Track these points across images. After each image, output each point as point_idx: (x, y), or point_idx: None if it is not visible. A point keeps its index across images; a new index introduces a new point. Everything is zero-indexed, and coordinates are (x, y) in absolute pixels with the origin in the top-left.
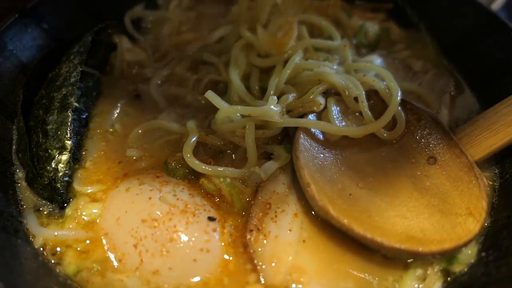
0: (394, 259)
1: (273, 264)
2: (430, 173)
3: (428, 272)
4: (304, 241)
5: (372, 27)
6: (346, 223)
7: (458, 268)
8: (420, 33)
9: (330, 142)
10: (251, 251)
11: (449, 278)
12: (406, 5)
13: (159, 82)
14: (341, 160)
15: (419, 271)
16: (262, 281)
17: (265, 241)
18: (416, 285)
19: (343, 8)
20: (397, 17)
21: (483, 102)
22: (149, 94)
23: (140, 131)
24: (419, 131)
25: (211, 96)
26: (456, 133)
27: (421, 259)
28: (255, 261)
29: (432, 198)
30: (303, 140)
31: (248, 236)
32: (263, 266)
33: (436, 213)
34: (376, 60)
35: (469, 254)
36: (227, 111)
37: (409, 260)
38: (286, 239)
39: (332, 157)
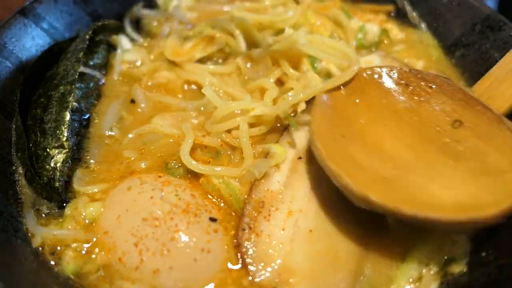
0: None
1: (263, 264)
2: (459, 137)
3: (424, 272)
4: (297, 241)
5: (372, 29)
6: (392, 206)
7: (458, 268)
8: (421, 34)
9: (349, 128)
10: (243, 250)
11: (448, 279)
12: (406, 6)
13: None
14: (365, 145)
15: (413, 273)
16: (252, 280)
17: (256, 240)
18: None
19: (343, 9)
20: (397, 18)
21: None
22: (141, 98)
23: (132, 136)
24: (434, 98)
25: (208, 92)
26: (474, 91)
27: (482, 225)
28: (246, 260)
29: (469, 162)
30: (317, 130)
31: (240, 235)
32: (254, 265)
33: (480, 176)
34: (375, 60)
35: (468, 254)
36: (226, 108)
37: (466, 233)
38: (278, 239)
39: (355, 142)
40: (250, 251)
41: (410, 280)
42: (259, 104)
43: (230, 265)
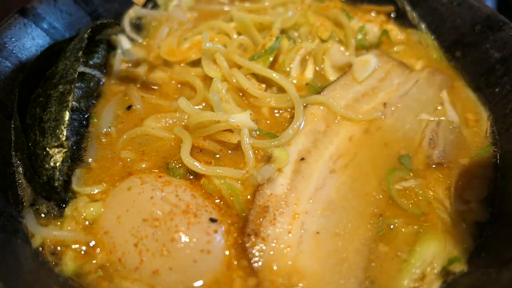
0: None
1: (271, 268)
2: None
3: (428, 271)
4: (304, 243)
5: (372, 29)
6: None
7: (458, 268)
8: (421, 34)
9: None
10: (249, 255)
11: (448, 279)
12: (406, 7)
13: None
14: None
15: (417, 271)
16: (260, 286)
17: (263, 246)
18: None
19: (343, 10)
20: (397, 18)
21: (483, 102)
22: (137, 99)
23: (125, 137)
24: None
25: (182, 103)
26: None
27: None
28: (254, 265)
29: None
30: None
31: (246, 240)
32: (262, 270)
33: None
34: (371, 59)
35: (468, 253)
36: (197, 118)
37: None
38: (285, 242)
39: None
40: (257, 256)
41: (414, 278)
42: (233, 116)
43: (230, 266)
